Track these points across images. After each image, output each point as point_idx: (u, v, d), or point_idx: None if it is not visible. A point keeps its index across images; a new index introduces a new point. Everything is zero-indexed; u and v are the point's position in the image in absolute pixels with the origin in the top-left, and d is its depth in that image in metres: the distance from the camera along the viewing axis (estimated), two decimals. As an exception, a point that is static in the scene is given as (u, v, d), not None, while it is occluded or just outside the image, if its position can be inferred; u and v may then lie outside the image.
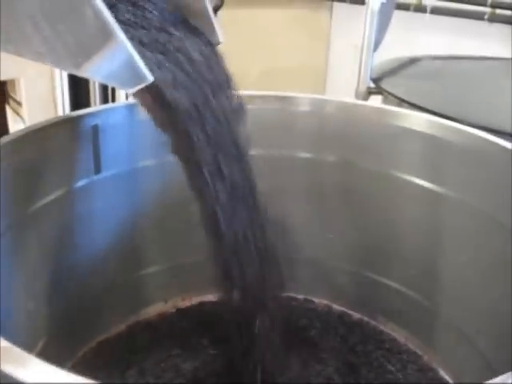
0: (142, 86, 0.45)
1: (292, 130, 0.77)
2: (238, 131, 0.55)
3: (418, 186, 0.71)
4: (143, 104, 0.49)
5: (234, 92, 0.55)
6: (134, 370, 0.70)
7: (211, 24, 0.55)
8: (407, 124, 0.71)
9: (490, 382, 0.31)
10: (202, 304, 0.82)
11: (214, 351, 0.73)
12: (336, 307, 0.83)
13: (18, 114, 1.42)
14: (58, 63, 0.46)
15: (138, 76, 0.44)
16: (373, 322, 0.80)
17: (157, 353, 0.73)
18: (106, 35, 0.42)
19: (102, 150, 0.67)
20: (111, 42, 0.42)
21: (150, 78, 0.44)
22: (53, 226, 0.64)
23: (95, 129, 0.65)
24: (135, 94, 0.46)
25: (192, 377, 0.69)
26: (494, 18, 1.91)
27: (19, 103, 1.40)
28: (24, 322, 0.61)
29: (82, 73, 0.44)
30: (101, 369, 0.69)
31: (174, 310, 0.82)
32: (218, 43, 0.56)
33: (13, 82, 1.36)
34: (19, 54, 0.47)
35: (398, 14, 1.51)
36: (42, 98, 1.36)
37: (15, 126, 1.34)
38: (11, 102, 1.43)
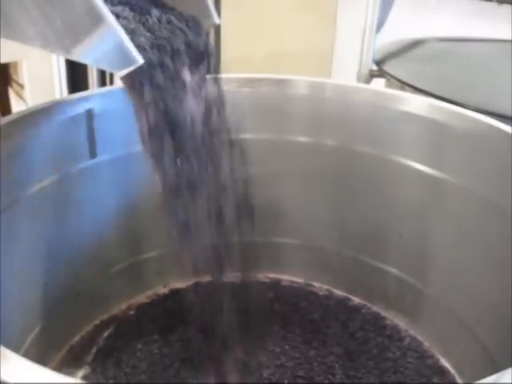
0: (132, 68, 0.44)
1: (290, 114, 0.75)
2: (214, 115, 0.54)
3: (418, 171, 0.70)
4: (127, 87, 0.48)
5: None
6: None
7: (206, 6, 0.54)
8: (408, 108, 0.69)
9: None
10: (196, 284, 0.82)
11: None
12: (336, 293, 0.82)
13: (20, 96, 1.41)
14: (46, 46, 0.45)
15: (127, 59, 0.43)
16: (374, 308, 0.79)
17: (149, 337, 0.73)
18: (95, 18, 0.41)
19: (97, 134, 0.66)
20: (100, 25, 0.41)
21: (140, 61, 0.43)
22: (47, 210, 0.63)
23: (90, 113, 0.64)
24: (123, 78, 0.45)
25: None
26: (503, 0, 1.88)
27: (22, 86, 1.39)
28: (19, 308, 0.60)
29: (71, 56, 0.43)
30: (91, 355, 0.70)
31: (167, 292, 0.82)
32: (215, 25, 0.54)
33: (15, 64, 1.35)
34: (8, 38, 0.46)
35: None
36: (44, 80, 1.35)
37: (18, 108, 1.34)
38: (14, 84, 1.43)
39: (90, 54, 0.42)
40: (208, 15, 0.54)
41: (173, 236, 0.57)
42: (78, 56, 0.43)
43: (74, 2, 0.41)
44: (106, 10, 0.41)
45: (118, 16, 0.46)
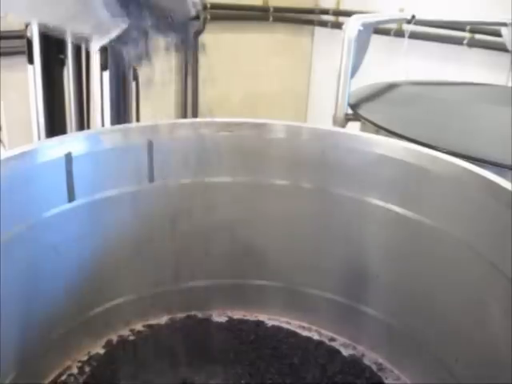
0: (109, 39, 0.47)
1: (269, 157, 0.76)
2: None
3: (394, 212, 0.70)
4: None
5: None
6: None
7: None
8: (383, 151, 0.71)
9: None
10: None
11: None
12: (317, 334, 0.82)
13: (-2, 138, 1.41)
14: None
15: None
16: (355, 349, 0.79)
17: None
18: None
19: (75, 177, 0.66)
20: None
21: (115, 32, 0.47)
22: (24, 254, 0.62)
23: (69, 157, 0.64)
24: None
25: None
26: (473, 43, 1.94)
27: (-1, 127, 1.39)
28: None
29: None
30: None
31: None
32: (191, 15, 0.56)
33: (-7, 106, 1.34)
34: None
35: (379, 39, 1.52)
36: (21, 122, 1.35)
37: (-5, 150, 1.33)
38: (-9, 126, 1.42)
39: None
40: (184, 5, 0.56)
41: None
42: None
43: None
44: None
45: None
